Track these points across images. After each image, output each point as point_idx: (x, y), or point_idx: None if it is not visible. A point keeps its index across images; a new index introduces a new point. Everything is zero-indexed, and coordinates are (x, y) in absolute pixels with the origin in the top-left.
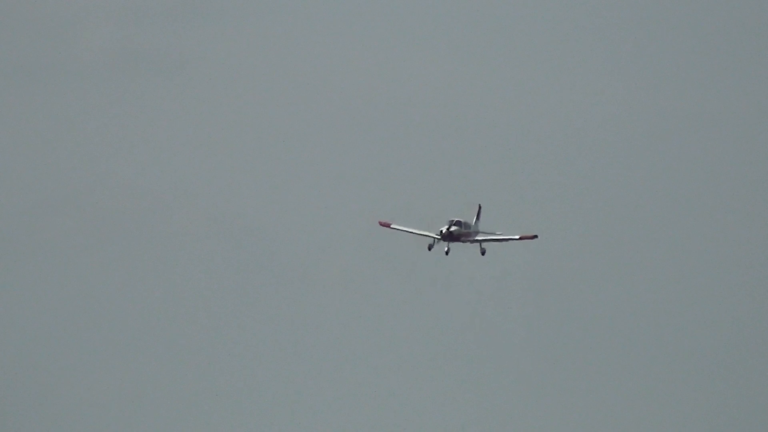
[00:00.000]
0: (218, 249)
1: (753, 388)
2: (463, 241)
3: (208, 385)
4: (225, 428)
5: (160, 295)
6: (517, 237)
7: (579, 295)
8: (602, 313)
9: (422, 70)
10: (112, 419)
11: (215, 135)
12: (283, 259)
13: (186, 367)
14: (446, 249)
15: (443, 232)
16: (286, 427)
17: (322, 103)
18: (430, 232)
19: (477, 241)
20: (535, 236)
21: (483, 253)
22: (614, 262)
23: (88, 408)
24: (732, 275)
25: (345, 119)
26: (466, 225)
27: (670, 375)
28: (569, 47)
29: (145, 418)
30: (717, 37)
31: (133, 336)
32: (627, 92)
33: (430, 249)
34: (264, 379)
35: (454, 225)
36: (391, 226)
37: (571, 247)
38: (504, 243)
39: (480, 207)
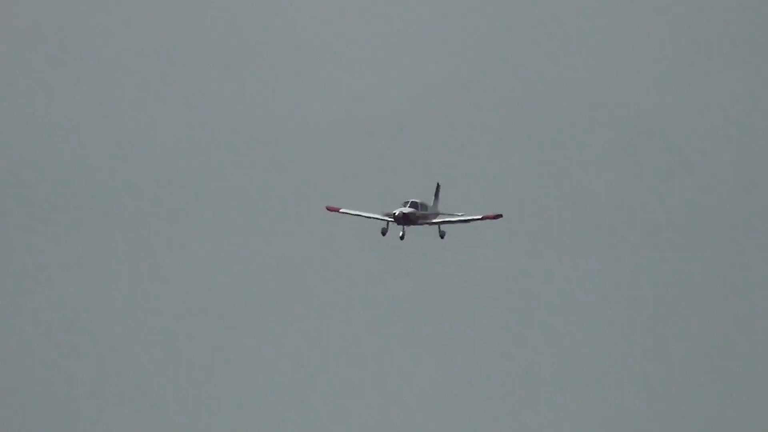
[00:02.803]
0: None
1: (742, 380)
2: (420, 224)
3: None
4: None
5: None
6: (480, 217)
7: (548, 278)
8: (573, 298)
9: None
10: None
11: None
12: (228, 254)
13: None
14: (401, 233)
15: (397, 214)
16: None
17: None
18: (383, 215)
19: (435, 223)
20: (500, 215)
21: (442, 236)
22: (586, 242)
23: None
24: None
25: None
26: (423, 206)
27: (649, 368)
28: (531, 18)
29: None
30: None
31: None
32: (593, 61)
33: (384, 234)
34: (210, 380)
35: (410, 206)
36: (340, 210)
37: (539, 227)
38: (465, 224)
39: (438, 186)
